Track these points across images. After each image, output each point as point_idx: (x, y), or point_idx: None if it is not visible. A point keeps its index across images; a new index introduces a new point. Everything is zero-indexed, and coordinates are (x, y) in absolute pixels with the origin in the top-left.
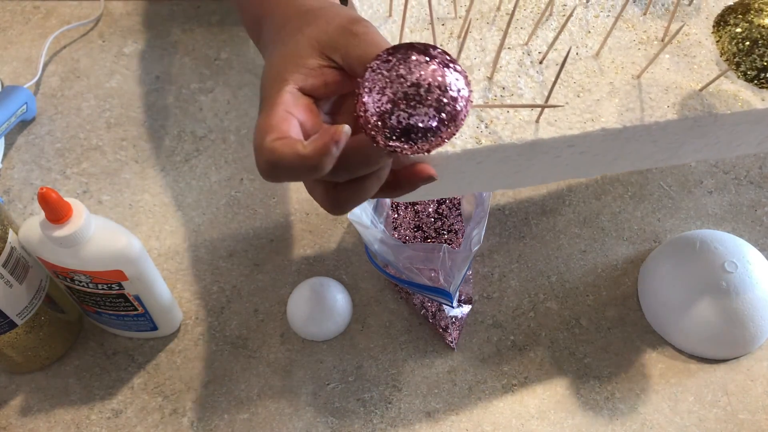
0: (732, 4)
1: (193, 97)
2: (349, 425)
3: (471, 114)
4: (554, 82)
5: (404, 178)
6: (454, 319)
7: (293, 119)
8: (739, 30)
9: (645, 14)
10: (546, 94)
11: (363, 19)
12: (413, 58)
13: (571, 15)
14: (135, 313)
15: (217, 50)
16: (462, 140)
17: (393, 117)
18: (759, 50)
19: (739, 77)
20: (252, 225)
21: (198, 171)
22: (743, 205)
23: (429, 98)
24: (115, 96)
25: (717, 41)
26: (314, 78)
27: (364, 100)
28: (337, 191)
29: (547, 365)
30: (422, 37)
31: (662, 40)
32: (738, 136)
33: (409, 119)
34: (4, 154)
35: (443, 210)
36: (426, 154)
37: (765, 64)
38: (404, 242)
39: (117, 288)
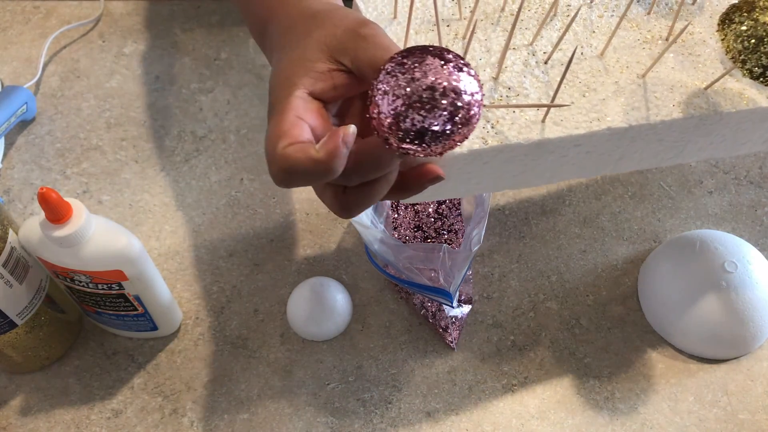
0: (737, 2)
1: (193, 97)
2: (349, 425)
3: None
4: (560, 82)
5: (412, 179)
6: (454, 319)
7: (304, 124)
8: (744, 28)
9: (649, 14)
10: (551, 93)
11: (370, 21)
12: (428, 61)
13: (575, 15)
14: (135, 313)
15: (217, 50)
16: (468, 141)
17: (407, 120)
18: (764, 47)
19: (744, 75)
20: (252, 225)
21: (198, 171)
22: (743, 205)
23: (443, 102)
24: (115, 96)
25: (722, 39)
26: (323, 82)
27: (377, 102)
28: (346, 195)
29: (547, 365)
30: (427, 38)
31: (667, 40)
32: (743, 134)
33: (423, 122)
34: (4, 154)
35: (443, 210)
36: (438, 157)
37: None
38: (404, 242)
39: (117, 288)
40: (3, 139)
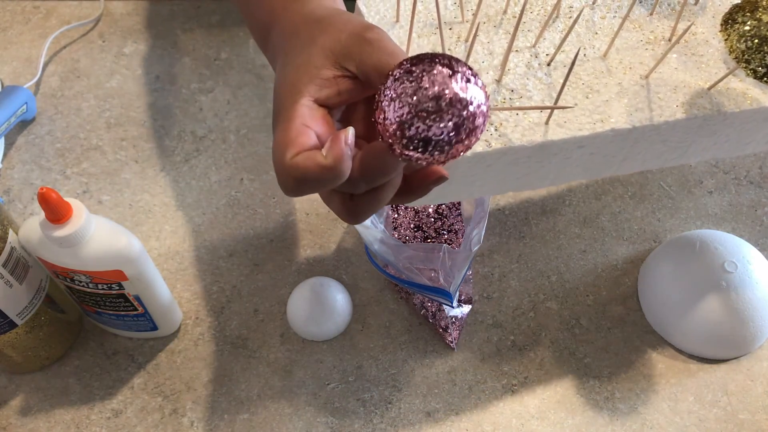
0: (739, 2)
1: (193, 97)
2: (349, 425)
3: None
4: (563, 84)
5: (416, 182)
6: (454, 319)
7: (310, 132)
8: (747, 28)
9: (651, 14)
10: (554, 95)
11: (375, 26)
12: (436, 70)
13: (578, 17)
14: (135, 313)
15: (217, 50)
16: None
17: (412, 127)
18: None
19: (748, 75)
20: (252, 225)
21: (198, 171)
22: (743, 205)
23: (449, 112)
24: (115, 96)
25: (725, 39)
26: (329, 88)
27: (383, 107)
28: (354, 201)
29: (547, 365)
30: (430, 41)
31: (669, 40)
32: (748, 133)
33: (427, 131)
34: (4, 154)
35: (443, 210)
36: (440, 164)
37: None
38: (404, 242)
39: (117, 288)
40: (3, 139)
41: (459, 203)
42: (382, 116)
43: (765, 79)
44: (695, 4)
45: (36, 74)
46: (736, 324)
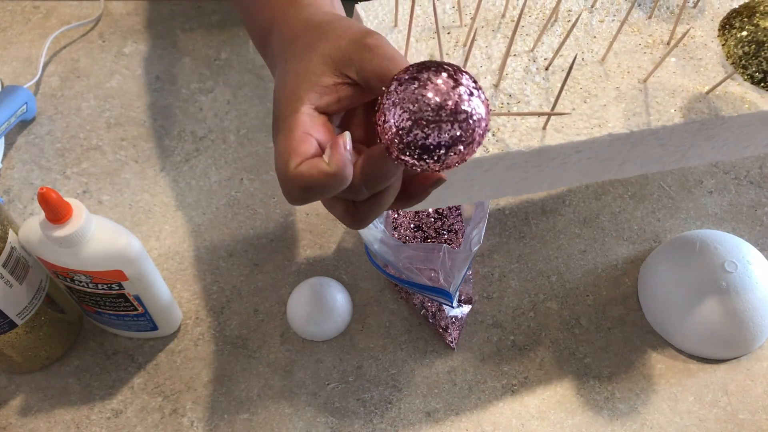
0: (737, 7)
1: (193, 97)
2: (349, 425)
3: None
4: (561, 89)
5: (414, 186)
6: (454, 319)
7: (312, 140)
8: (744, 33)
9: (650, 18)
10: (552, 100)
11: (374, 31)
12: (441, 80)
13: (576, 20)
14: (135, 313)
15: (217, 50)
16: None
17: (411, 134)
18: (765, 53)
19: (745, 80)
20: (252, 225)
21: (198, 171)
22: (743, 205)
23: (449, 123)
24: (115, 96)
25: (723, 44)
26: (329, 95)
27: (385, 111)
28: (357, 208)
29: (547, 365)
30: (428, 45)
31: (668, 44)
32: (746, 137)
33: (425, 139)
34: (4, 154)
35: (443, 210)
36: (434, 172)
37: None
38: (404, 242)
39: (117, 288)
40: (3, 139)
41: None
42: (382, 119)
43: (762, 84)
44: (694, 7)
45: (36, 74)
46: (736, 324)
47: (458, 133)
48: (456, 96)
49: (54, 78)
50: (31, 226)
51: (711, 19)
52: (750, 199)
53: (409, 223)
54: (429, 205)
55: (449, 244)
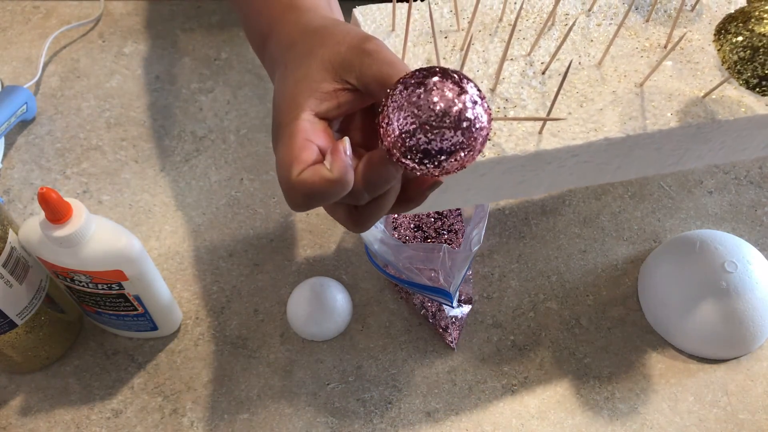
0: (732, 12)
1: (193, 97)
2: (349, 425)
3: None
4: (557, 93)
5: (413, 189)
6: (454, 319)
7: (313, 146)
8: (740, 39)
9: (647, 21)
10: (549, 104)
11: (373, 36)
12: (447, 87)
13: (573, 24)
14: (135, 313)
15: (217, 50)
16: None
17: (413, 139)
18: (760, 58)
19: (740, 85)
20: (252, 225)
21: (198, 171)
22: (743, 205)
23: (453, 129)
24: (115, 96)
25: (718, 50)
26: (329, 102)
27: (388, 113)
28: (358, 211)
29: (547, 365)
30: (425, 50)
31: (665, 47)
32: (742, 141)
33: (428, 144)
34: (4, 154)
35: (443, 210)
36: (433, 177)
37: (766, 72)
38: (404, 242)
39: (117, 288)
40: (3, 139)
41: None
42: (386, 122)
43: (757, 89)
44: (691, 10)
45: (36, 74)
46: (736, 324)
47: (460, 140)
48: (461, 103)
49: (54, 78)
50: (31, 226)
51: (708, 23)
52: (750, 199)
53: (409, 223)
54: (426, 209)
55: (449, 244)
